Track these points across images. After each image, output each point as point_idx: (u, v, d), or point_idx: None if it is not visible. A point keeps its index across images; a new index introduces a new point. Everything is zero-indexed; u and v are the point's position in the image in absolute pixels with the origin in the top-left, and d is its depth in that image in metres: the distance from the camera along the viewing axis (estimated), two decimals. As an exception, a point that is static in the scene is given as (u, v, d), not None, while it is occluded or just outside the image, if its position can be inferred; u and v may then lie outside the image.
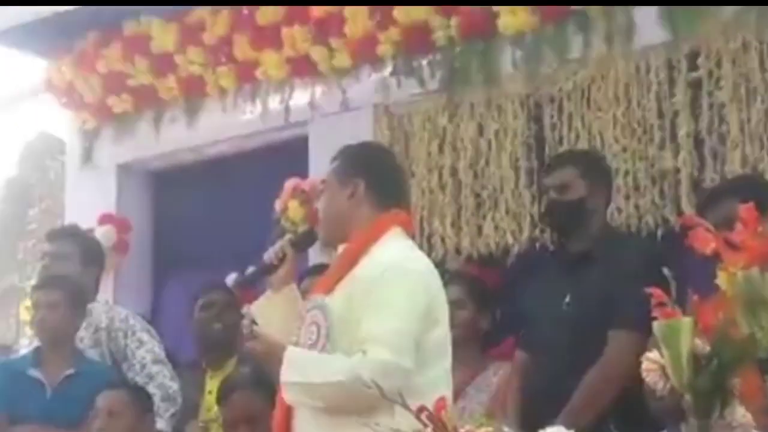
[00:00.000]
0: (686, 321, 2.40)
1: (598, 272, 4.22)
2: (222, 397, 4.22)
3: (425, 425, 2.59)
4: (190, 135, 6.65)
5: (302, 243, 3.63)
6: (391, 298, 3.22)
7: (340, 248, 3.44)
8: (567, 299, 4.25)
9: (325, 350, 3.24)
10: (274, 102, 6.22)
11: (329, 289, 3.34)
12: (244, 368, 4.44)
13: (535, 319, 4.38)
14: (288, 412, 3.33)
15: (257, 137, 6.44)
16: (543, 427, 3.71)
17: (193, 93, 6.56)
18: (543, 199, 4.56)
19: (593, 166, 4.54)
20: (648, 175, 4.98)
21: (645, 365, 2.49)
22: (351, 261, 3.36)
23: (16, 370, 4.61)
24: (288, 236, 3.74)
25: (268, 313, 3.52)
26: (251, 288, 3.81)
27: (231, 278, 6.14)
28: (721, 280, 2.40)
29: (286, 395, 3.28)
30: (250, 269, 3.59)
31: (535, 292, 4.48)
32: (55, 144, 8.41)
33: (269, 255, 3.55)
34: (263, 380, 4.19)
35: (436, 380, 3.26)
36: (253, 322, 3.36)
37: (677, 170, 4.90)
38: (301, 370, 3.23)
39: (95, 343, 4.81)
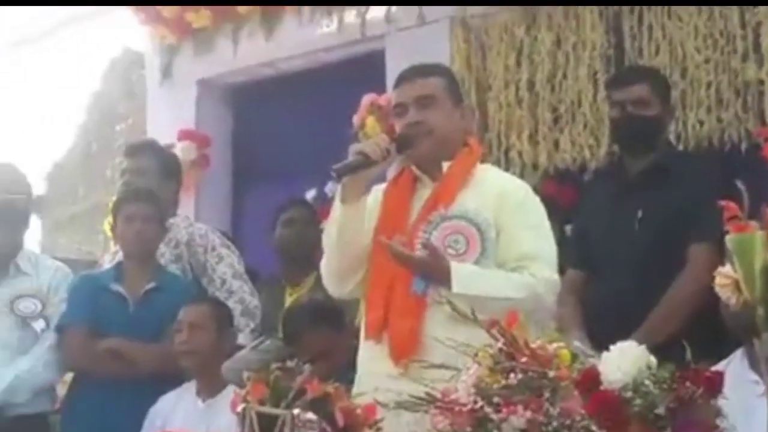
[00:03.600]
0: (759, 234, 2.38)
1: (671, 188, 4.16)
2: (290, 336, 4.29)
3: (496, 339, 2.61)
4: (267, 49, 6.64)
5: (403, 145, 3.52)
6: (542, 221, 3.50)
7: (446, 165, 3.51)
8: (639, 215, 4.20)
9: (477, 261, 3.38)
10: (350, 16, 6.18)
11: (451, 199, 3.44)
12: (314, 297, 4.50)
13: (600, 238, 4.32)
14: (418, 317, 3.36)
15: (333, 51, 6.42)
16: (611, 344, 3.74)
17: (271, 7, 6.53)
18: (613, 112, 4.45)
19: (664, 83, 4.51)
20: (731, 87, 4.88)
21: (718, 280, 2.48)
22: (465, 178, 3.50)
23: (98, 285, 4.65)
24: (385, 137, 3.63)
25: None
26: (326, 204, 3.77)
27: (311, 194, 6.22)
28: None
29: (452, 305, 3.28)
30: (346, 161, 3.41)
31: (598, 210, 4.43)
32: (139, 60, 8.43)
33: (371, 148, 3.40)
34: (331, 310, 4.26)
35: None
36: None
37: (761, 82, 4.80)
38: (479, 283, 3.31)
39: (176, 258, 4.84)
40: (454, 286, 3.30)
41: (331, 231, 3.53)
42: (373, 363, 3.48)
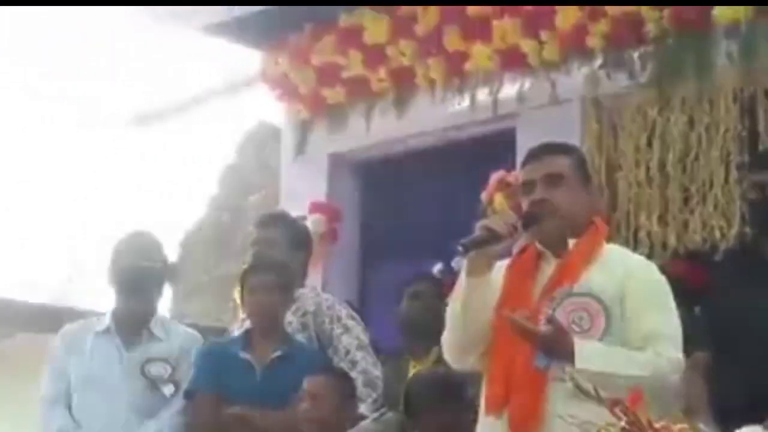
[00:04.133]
0: None
1: None
2: (412, 409, 4.29)
3: (619, 418, 2.58)
4: (399, 126, 6.71)
5: (529, 223, 3.52)
6: (667, 300, 3.47)
7: (572, 242, 3.51)
8: None
9: (601, 339, 3.37)
10: (483, 94, 6.22)
11: (575, 277, 3.44)
12: (437, 370, 4.50)
13: (734, 318, 4.25)
14: (540, 393, 3.35)
15: (465, 129, 6.47)
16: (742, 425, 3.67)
17: (403, 85, 6.62)
18: (753, 194, 4.39)
19: None
20: None
21: None
22: (590, 255, 3.49)
23: (227, 352, 4.70)
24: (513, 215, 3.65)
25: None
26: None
27: (438, 267, 6.24)
28: None
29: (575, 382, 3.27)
30: (473, 236, 3.42)
31: (731, 290, 4.36)
32: (273, 133, 8.60)
33: (498, 224, 3.42)
34: (454, 383, 4.26)
35: None
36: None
37: None
38: (602, 360, 3.29)
39: (302, 327, 4.88)
40: (577, 361, 3.27)
41: (455, 304, 3.55)
42: None
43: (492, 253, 3.47)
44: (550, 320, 3.35)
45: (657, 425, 2.52)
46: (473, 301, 3.48)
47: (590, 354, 3.30)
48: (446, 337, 3.63)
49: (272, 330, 4.69)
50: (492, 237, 3.42)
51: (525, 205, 3.60)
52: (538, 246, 3.57)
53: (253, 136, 17.22)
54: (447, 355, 3.67)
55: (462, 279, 3.51)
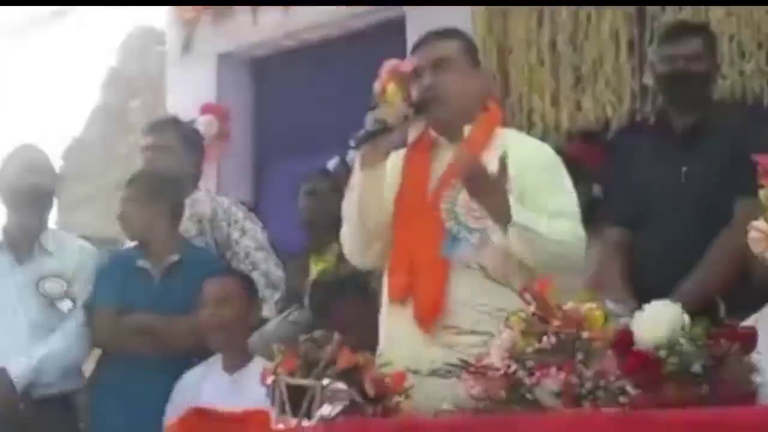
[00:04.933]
0: (793, 189, 2.34)
1: (716, 143, 4.10)
2: (317, 308, 4.27)
3: (528, 303, 2.58)
4: (286, 20, 6.60)
5: (420, 110, 3.50)
6: (564, 180, 3.48)
7: (468, 128, 3.48)
8: (684, 170, 4.15)
9: None
10: (370, -18, 6.14)
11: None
12: (340, 267, 4.50)
13: (643, 193, 4.27)
14: (444, 280, 3.34)
15: (354, 19, 6.38)
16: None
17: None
18: (663, 66, 4.37)
19: (713, 39, 4.44)
20: (754, 40, 4.83)
21: (751, 234, 2.45)
22: (485, 140, 3.48)
23: (124, 262, 4.65)
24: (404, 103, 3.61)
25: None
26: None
27: (333, 163, 6.19)
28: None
29: (514, 240, 3.26)
30: (364, 130, 3.43)
31: (644, 167, 4.37)
32: (155, 36, 8.43)
33: (388, 115, 3.42)
34: (357, 279, 4.25)
35: None
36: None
37: (784, 34, 4.75)
38: (529, 219, 3.27)
39: (200, 232, 4.83)
40: (514, 214, 3.25)
41: (351, 199, 3.51)
42: (397, 328, 3.45)
43: (385, 145, 3.43)
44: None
45: (565, 307, 2.53)
46: (368, 194, 3.45)
47: (524, 212, 3.28)
48: (344, 233, 3.61)
49: (156, 241, 4.62)
50: (383, 129, 3.39)
51: (414, 92, 3.55)
52: (433, 133, 3.53)
53: (133, 39, 16.92)
54: (347, 252, 3.64)
55: (356, 172, 3.47)
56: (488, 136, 3.50)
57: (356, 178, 3.47)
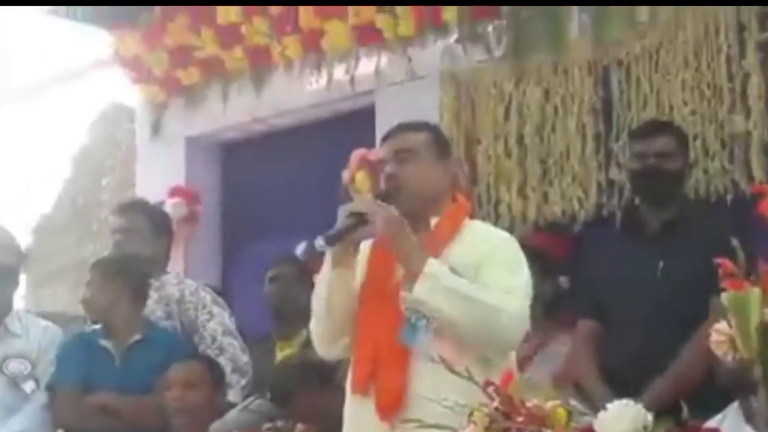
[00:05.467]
0: (755, 292, 2.38)
1: (690, 241, 4.17)
2: (280, 396, 4.28)
3: (491, 399, 2.60)
4: (257, 106, 6.65)
5: (387, 198, 3.50)
6: (518, 263, 3.47)
7: (434, 220, 3.51)
8: (660, 266, 4.20)
9: None
10: (340, 72, 6.19)
11: (437, 254, 3.42)
12: (304, 355, 4.51)
13: (616, 288, 4.31)
14: (405, 372, 3.35)
15: (324, 107, 6.43)
16: (631, 394, 3.73)
17: (260, 63, 6.55)
18: (635, 164, 4.46)
19: (685, 137, 4.56)
20: (718, 138, 4.91)
21: (714, 337, 2.47)
22: (451, 233, 3.50)
23: (87, 342, 4.67)
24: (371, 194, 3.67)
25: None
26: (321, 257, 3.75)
27: (300, 249, 6.21)
28: (791, 250, 2.36)
29: (426, 291, 3.30)
30: (336, 227, 3.42)
31: (614, 260, 4.43)
32: (127, 114, 8.47)
33: (359, 207, 3.44)
34: (321, 368, 4.25)
35: (511, 356, 3.46)
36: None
37: (748, 133, 4.83)
38: (453, 279, 3.32)
39: (167, 315, 4.84)
40: (426, 267, 3.30)
41: (320, 295, 3.54)
42: (360, 420, 3.46)
43: (355, 241, 3.46)
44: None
45: (529, 404, 2.54)
46: (338, 292, 3.48)
47: (441, 270, 3.32)
48: (314, 327, 3.63)
49: (118, 321, 4.63)
50: (355, 223, 3.41)
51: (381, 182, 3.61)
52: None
53: (105, 117, 16.95)
54: (316, 345, 3.66)
55: (326, 270, 3.49)
56: (454, 227, 3.53)
57: (326, 275, 3.49)
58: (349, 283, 3.48)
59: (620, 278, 4.32)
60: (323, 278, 3.51)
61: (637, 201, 4.67)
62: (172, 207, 6.54)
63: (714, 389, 3.50)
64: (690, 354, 4.02)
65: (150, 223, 5.06)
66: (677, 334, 4.06)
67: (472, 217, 3.74)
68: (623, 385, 3.96)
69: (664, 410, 2.45)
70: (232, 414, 4.59)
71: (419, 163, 3.54)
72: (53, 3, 6.87)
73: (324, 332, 3.59)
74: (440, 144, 3.67)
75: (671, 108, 5.02)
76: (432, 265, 3.33)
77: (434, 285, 3.30)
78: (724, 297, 2.42)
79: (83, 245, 16.02)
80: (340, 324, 3.52)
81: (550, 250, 5.03)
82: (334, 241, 3.40)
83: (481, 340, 3.31)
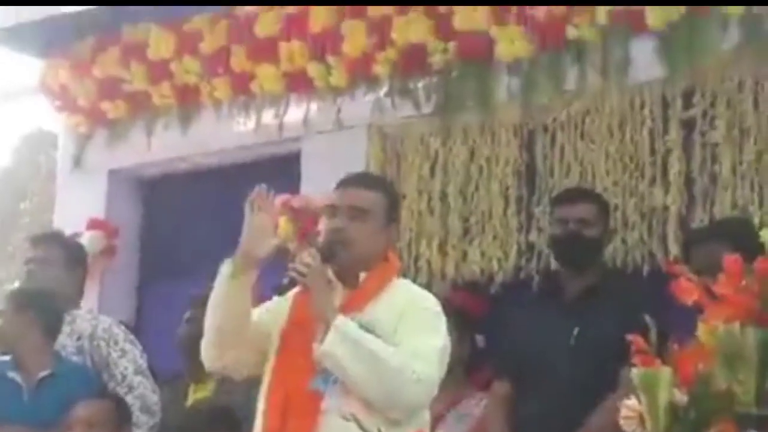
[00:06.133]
0: (665, 371, 2.42)
1: (605, 309, 4.23)
2: None
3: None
4: (183, 144, 6.62)
5: (327, 256, 3.52)
6: (436, 327, 3.46)
7: (363, 275, 3.52)
8: (575, 332, 4.25)
9: None
10: (269, 116, 6.20)
11: (361, 309, 3.44)
12: (215, 400, 4.50)
13: (531, 351, 4.35)
14: (314, 425, 3.33)
15: (250, 150, 6.42)
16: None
17: (188, 102, 6.53)
18: (556, 229, 4.52)
19: (606, 206, 4.64)
20: (637, 210, 5.00)
21: (623, 412, 2.51)
22: (378, 290, 3.51)
23: (-3, 372, 4.61)
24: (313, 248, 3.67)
25: None
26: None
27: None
28: (702, 332, 2.41)
29: (333, 345, 3.31)
30: (287, 282, 3.46)
31: (529, 324, 4.47)
32: (50, 140, 8.40)
33: (306, 265, 3.43)
34: (229, 415, 4.23)
35: (424, 417, 3.45)
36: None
37: (666, 208, 4.93)
38: (359, 335, 3.32)
39: (78, 351, 4.80)
40: (336, 319, 3.32)
41: (212, 306, 3.54)
42: None
43: (257, 257, 3.48)
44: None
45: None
46: (232, 302, 3.48)
47: (348, 323, 3.34)
48: (204, 338, 3.62)
49: (28, 353, 4.58)
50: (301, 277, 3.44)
51: (323, 229, 3.63)
52: (331, 276, 3.56)
53: (29, 141, 16.79)
54: (204, 355, 3.65)
55: (222, 280, 3.49)
56: (381, 285, 3.54)
57: (222, 285, 3.49)
58: (243, 295, 3.48)
59: (536, 342, 4.36)
60: (217, 289, 3.51)
61: (555, 266, 4.73)
62: (89, 240, 6.49)
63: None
64: (593, 426, 4.06)
65: (65, 255, 5.04)
66: (586, 403, 4.11)
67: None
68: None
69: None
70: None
71: (371, 225, 3.55)
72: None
73: (212, 340, 3.57)
74: (391, 207, 3.67)
75: (594, 177, 5.10)
76: (341, 319, 3.34)
77: (340, 338, 3.31)
78: (635, 373, 2.46)
79: (-1, 266, 15.83)
80: (230, 334, 3.52)
81: (469, 309, 5.07)
82: (283, 293, 3.48)
83: (383, 400, 3.31)
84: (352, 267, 3.53)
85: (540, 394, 4.24)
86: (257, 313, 3.57)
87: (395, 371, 3.29)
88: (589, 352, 4.19)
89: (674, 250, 4.80)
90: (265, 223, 3.57)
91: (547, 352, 4.30)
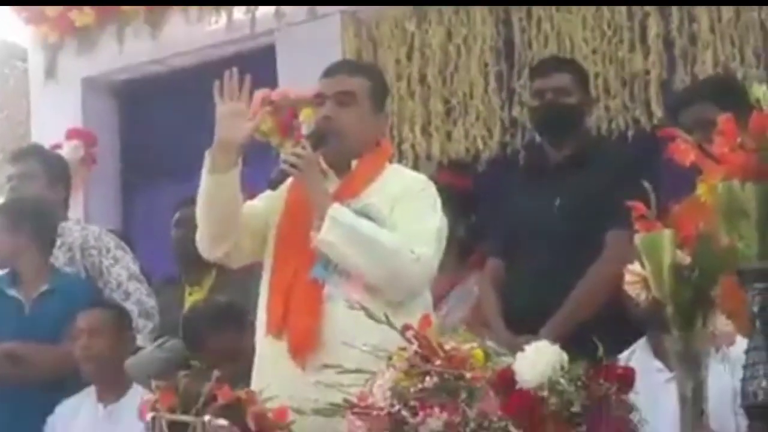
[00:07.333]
0: (667, 233, 2.43)
1: (589, 176, 4.23)
2: (191, 341, 4.27)
3: (410, 343, 2.63)
4: (154, 47, 6.56)
5: (317, 143, 3.50)
6: (428, 208, 3.48)
7: (356, 162, 3.52)
8: (557, 202, 4.26)
9: None
10: (240, 12, 6.13)
11: (353, 195, 3.45)
12: (214, 298, 4.52)
13: (518, 225, 4.37)
14: (318, 315, 3.36)
15: (223, 48, 6.34)
16: (532, 330, 3.80)
17: (155, 4, 6.45)
18: (534, 101, 4.51)
19: (583, 73, 4.60)
20: (618, 77, 4.99)
21: (627, 278, 2.52)
22: (370, 175, 3.52)
23: (-6, 291, 4.61)
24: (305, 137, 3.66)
25: None
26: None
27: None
28: (701, 191, 2.41)
29: (329, 233, 3.32)
30: (279, 174, 3.44)
31: (516, 198, 4.48)
32: (15, 51, 8.26)
33: (296, 158, 3.41)
34: (232, 311, 4.25)
35: (426, 299, 3.48)
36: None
37: (647, 72, 4.91)
38: (354, 220, 3.34)
39: (70, 261, 4.79)
40: (330, 209, 3.33)
41: (200, 200, 3.52)
42: (272, 362, 3.46)
43: (236, 150, 3.45)
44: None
45: (447, 347, 2.58)
46: (219, 197, 3.47)
47: (342, 210, 3.36)
48: (198, 230, 3.61)
49: (25, 269, 4.57)
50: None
51: (315, 118, 3.61)
52: (322, 164, 3.55)
53: (-8, 55, 16.50)
54: (199, 247, 3.64)
55: (205, 176, 3.47)
56: (374, 170, 3.54)
57: (206, 181, 3.47)
58: (229, 188, 3.46)
59: (522, 215, 4.37)
60: (202, 183, 3.49)
61: (538, 139, 4.72)
62: (69, 150, 6.45)
63: (622, 324, 3.58)
64: (584, 288, 4.10)
65: (46, 168, 5.00)
66: (572, 269, 4.14)
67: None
68: (521, 321, 4.05)
69: (575, 350, 2.50)
70: (146, 351, 4.59)
71: (359, 110, 3.53)
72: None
73: (205, 233, 3.57)
74: (380, 93, 3.66)
75: (572, 46, 5.07)
76: (335, 207, 3.35)
77: (336, 226, 3.33)
78: (637, 239, 2.47)
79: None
80: (223, 225, 3.52)
81: (456, 187, 5.05)
82: (276, 186, 3.47)
83: (384, 283, 3.33)
84: (343, 154, 3.53)
85: (528, 266, 4.27)
86: (252, 203, 3.57)
87: (393, 252, 3.33)
88: (572, 219, 4.20)
89: (658, 113, 4.80)
90: (236, 108, 3.51)
91: (533, 223, 4.32)
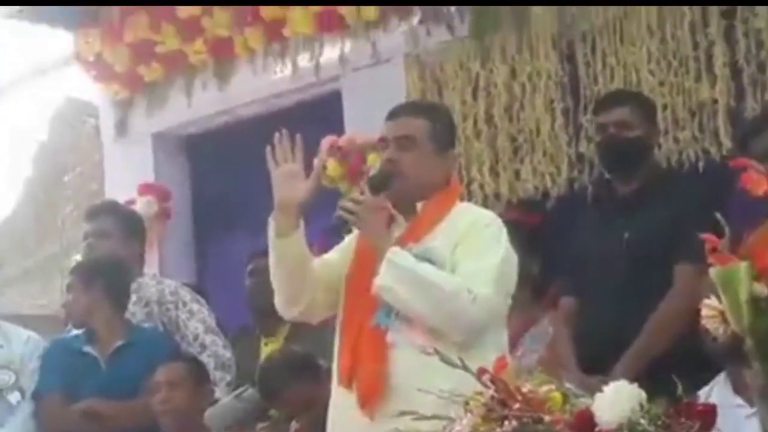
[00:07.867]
0: (743, 266, 2.39)
1: (658, 209, 4.19)
2: (268, 393, 4.29)
3: (486, 387, 2.60)
4: (222, 98, 6.63)
5: (377, 187, 3.51)
6: (493, 246, 3.43)
7: (421, 204, 3.52)
8: (626, 236, 4.22)
9: None
10: (304, 59, 6.18)
11: (418, 239, 3.44)
12: (288, 349, 4.53)
13: (588, 261, 4.34)
14: (383, 362, 3.35)
15: (289, 96, 6.41)
16: (604, 370, 3.76)
17: (222, 56, 6.53)
18: (598, 136, 4.48)
19: (648, 105, 4.56)
20: (686, 108, 4.93)
21: (704, 312, 2.48)
22: (437, 217, 3.50)
23: (71, 348, 4.67)
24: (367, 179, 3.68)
25: None
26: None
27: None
28: (777, 221, 2.37)
29: (386, 277, 3.33)
30: (339, 220, 3.46)
31: (585, 234, 4.45)
32: (86, 108, 8.40)
33: (347, 204, 3.45)
34: (308, 361, 4.26)
35: (500, 340, 3.45)
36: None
37: (715, 101, 4.86)
38: (410, 264, 3.33)
39: (147, 316, 4.83)
40: (389, 254, 3.32)
41: (271, 264, 3.55)
42: (343, 412, 3.47)
43: (297, 212, 3.47)
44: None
45: (525, 390, 2.55)
46: (287, 259, 3.49)
47: (399, 253, 3.34)
48: (275, 293, 3.63)
49: (100, 326, 4.62)
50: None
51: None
52: (392, 211, 3.54)
53: (64, 113, 16.77)
54: (278, 308, 3.67)
55: (272, 240, 3.49)
56: (440, 212, 3.52)
57: (273, 245, 3.50)
58: (298, 249, 3.47)
59: (591, 251, 4.35)
60: (270, 249, 3.52)
61: (605, 173, 4.69)
62: (142, 205, 6.51)
63: (698, 361, 3.53)
64: (654, 325, 4.06)
65: (121, 224, 5.05)
66: (642, 305, 4.09)
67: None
68: (593, 358, 4.01)
69: (652, 389, 2.46)
70: (224, 402, 4.61)
71: (420, 152, 3.52)
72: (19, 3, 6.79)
73: (281, 295, 3.60)
74: (444, 133, 3.63)
75: (638, 80, 5.03)
76: (393, 251, 3.34)
77: (391, 268, 3.32)
78: (712, 273, 2.43)
79: (46, 243, 15.90)
80: (296, 286, 3.54)
81: (524, 223, 5.03)
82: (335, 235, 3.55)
83: (442, 325, 3.31)
84: (407, 197, 3.52)
85: (599, 304, 4.23)
86: (325, 257, 3.59)
87: (452, 295, 3.30)
88: (640, 254, 4.16)
89: (727, 143, 4.75)
90: (291, 170, 3.54)
91: (602, 259, 4.28)
